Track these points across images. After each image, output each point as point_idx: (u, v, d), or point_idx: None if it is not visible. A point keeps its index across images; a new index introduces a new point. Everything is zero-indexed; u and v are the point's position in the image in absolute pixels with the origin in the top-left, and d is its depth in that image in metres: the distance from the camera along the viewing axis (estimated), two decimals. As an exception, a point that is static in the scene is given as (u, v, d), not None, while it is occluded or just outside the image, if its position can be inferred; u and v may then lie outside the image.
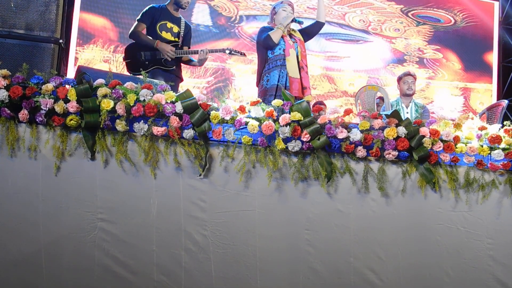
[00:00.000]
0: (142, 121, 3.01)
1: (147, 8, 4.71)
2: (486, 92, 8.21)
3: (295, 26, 4.71)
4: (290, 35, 4.61)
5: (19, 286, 2.89)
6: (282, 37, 4.50)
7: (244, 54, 4.89)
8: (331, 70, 7.69)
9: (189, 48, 4.84)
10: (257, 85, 4.63)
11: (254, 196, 3.14)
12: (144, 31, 4.66)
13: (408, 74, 5.33)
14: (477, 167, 3.44)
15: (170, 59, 4.58)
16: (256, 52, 4.75)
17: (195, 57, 4.76)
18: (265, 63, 4.53)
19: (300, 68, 4.49)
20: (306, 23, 4.80)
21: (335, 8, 7.75)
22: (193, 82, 7.06)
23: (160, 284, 3.01)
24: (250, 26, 7.33)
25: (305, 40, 4.70)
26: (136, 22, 4.67)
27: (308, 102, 3.34)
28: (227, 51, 4.74)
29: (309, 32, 4.77)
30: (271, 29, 4.54)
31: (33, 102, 2.92)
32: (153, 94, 3.07)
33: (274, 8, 4.70)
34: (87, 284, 2.94)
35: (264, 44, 4.51)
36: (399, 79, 5.34)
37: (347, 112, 3.33)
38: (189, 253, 3.05)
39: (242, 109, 3.19)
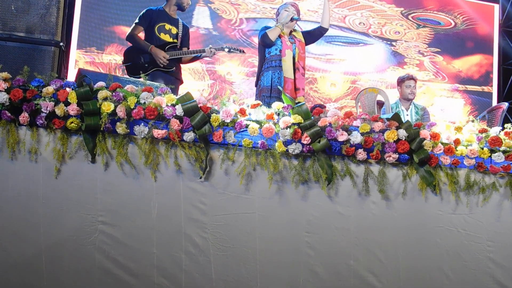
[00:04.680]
0: (142, 123, 3.01)
1: (144, 10, 4.73)
2: (486, 95, 8.20)
3: (297, 27, 4.73)
4: (291, 36, 4.62)
5: (20, 288, 2.89)
6: (280, 37, 4.53)
7: (243, 52, 4.89)
8: (331, 73, 7.69)
9: (188, 48, 4.86)
10: (256, 85, 4.65)
11: (255, 199, 3.14)
12: (141, 34, 4.67)
13: (410, 78, 5.17)
14: (477, 170, 3.45)
15: (162, 66, 4.59)
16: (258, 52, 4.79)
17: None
18: (263, 63, 4.57)
19: (295, 69, 4.51)
20: (308, 27, 4.81)
21: (336, 10, 7.75)
22: (195, 85, 7.06)
23: (160, 287, 3.01)
24: (249, 28, 7.33)
25: (307, 43, 4.72)
26: (133, 25, 4.68)
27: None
28: (226, 49, 4.75)
29: (311, 36, 4.79)
30: (270, 27, 4.58)
31: (34, 105, 2.92)
32: (154, 97, 3.07)
33: (278, 9, 4.76)
34: (88, 287, 2.94)
35: (262, 42, 4.57)
36: (401, 81, 5.21)
37: (348, 114, 3.33)
38: (190, 256, 3.05)
39: (242, 111, 3.19)
